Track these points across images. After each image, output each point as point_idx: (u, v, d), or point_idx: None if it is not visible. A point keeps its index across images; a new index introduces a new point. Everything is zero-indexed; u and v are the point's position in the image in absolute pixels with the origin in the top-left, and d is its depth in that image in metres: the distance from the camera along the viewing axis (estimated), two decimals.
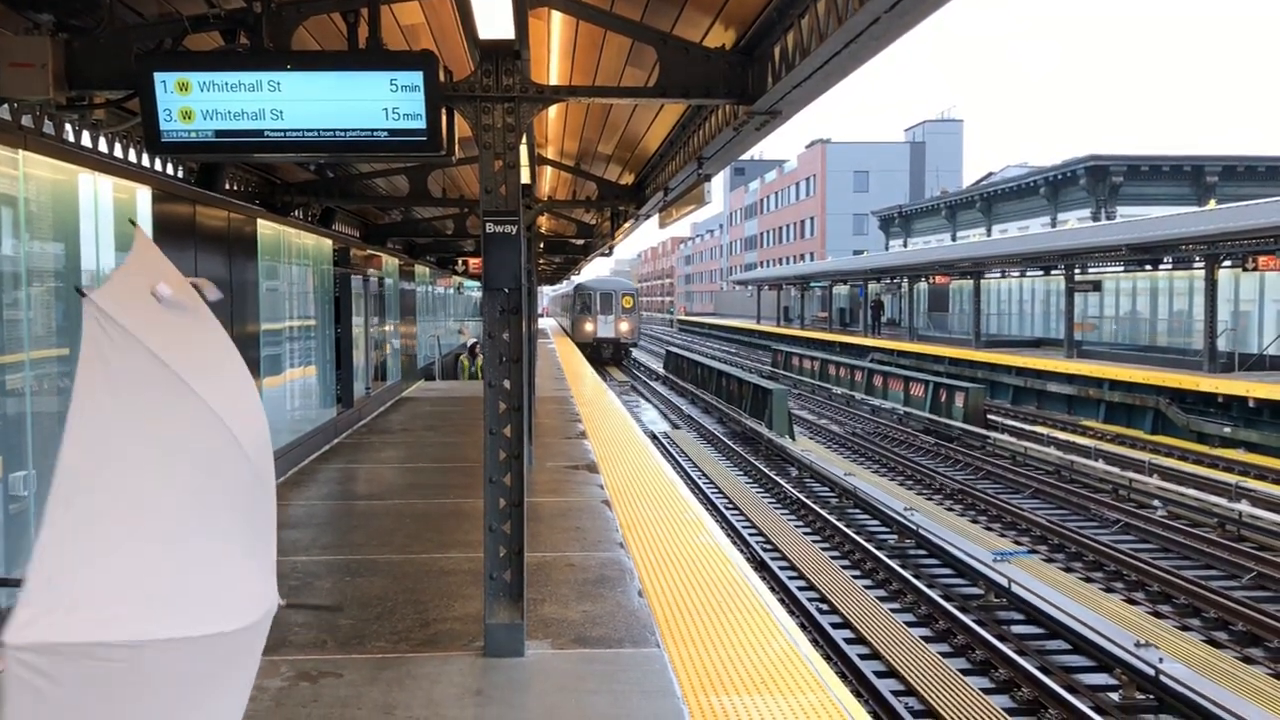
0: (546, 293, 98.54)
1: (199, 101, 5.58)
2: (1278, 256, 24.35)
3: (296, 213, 13.76)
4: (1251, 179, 45.01)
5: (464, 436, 15.27)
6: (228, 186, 11.10)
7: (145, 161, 8.86)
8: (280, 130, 5.63)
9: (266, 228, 11.20)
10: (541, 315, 73.55)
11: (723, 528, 14.50)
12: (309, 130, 5.64)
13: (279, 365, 11.83)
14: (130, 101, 6.32)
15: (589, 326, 51.24)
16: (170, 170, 9.55)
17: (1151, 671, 8.80)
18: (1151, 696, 8.83)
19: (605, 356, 51.13)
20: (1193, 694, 8.37)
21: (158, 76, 5.54)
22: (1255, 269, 24.92)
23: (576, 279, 58.48)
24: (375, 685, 5.52)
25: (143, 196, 7.80)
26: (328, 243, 14.53)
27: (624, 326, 51.66)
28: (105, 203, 7.19)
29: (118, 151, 8.44)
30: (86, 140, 7.82)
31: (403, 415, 18.21)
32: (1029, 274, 40.87)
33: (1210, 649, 10.35)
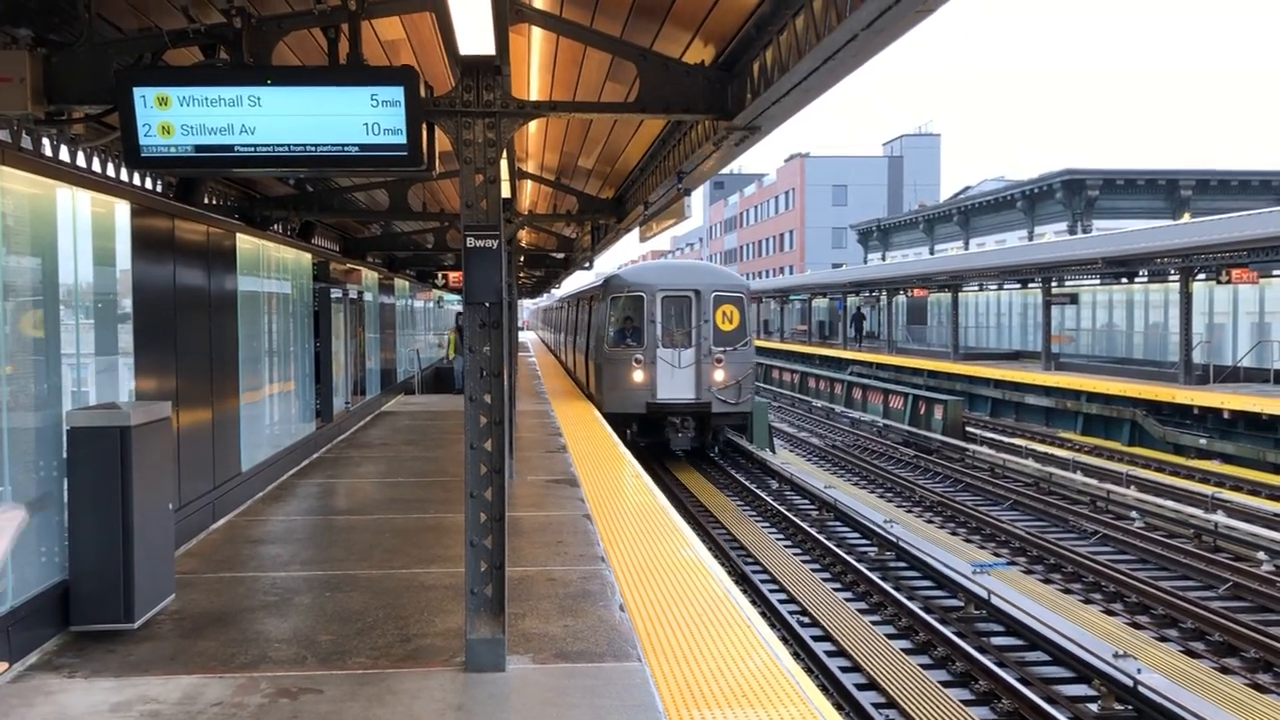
0: (527, 306, 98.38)
1: (179, 116, 5.57)
2: (1250, 269, 24.64)
3: (276, 226, 13.72)
4: (1225, 193, 45.57)
5: (444, 451, 15.23)
6: (207, 200, 11.06)
7: (124, 176, 8.84)
8: (260, 145, 5.63)
9: (246, 242, 11.16)
10: (522, 328, 72.77)
11: (704, 540, 14.51)
12: (289, 145, 5.64)
13: (258, 380, 11.77)
14: (109, 116, 6.30)
15: (637, 375, 21.55)
16: (149, 184, 9.51)
17: (1130, 682, 8.85)
18: (1130, 707, 8.88)
19: (678, 446, 21.83)
20: (1171, 704, 8.42)
21: (137, 91, 5.53)
22: (1229, 282, 25.21)
23: (599, 270, 33.18)
24: (356, 701, 5.49)
25: (121, 211, 7.77)
26: (307, 256, 14.49)
27: (720, 374, 21.59)
28: (83, 217, 7.15)
29: (96, 166, 8.41)
30: (65, 155, 7.79)
31: (382, 429, 18.14)
32: (1006, 287, 41.18)
33: (1188, 659, 10.42)
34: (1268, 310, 28.18)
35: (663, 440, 21.50)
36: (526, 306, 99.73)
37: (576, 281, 40.17)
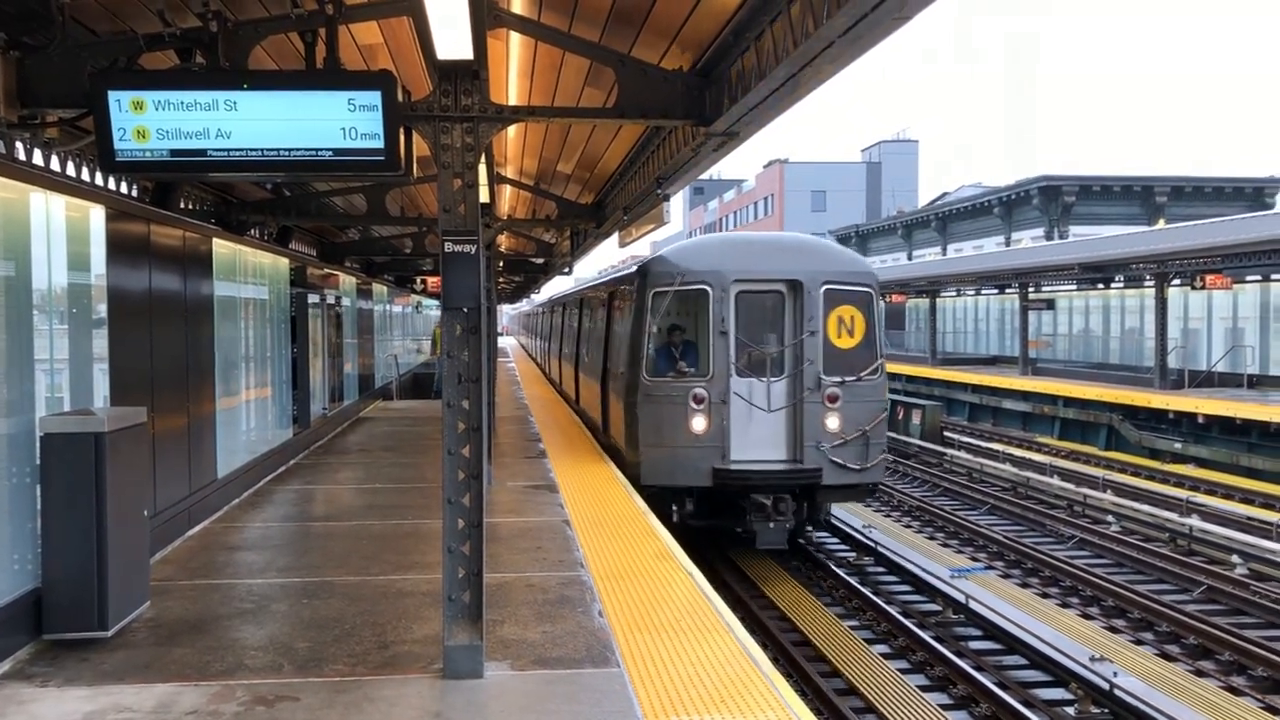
0: (506, 311, 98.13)
1: (154, 120, 5.54)
2: (1224, 275, 24.88)
3: (253, 231, 13.66)
4: (1199, 199, 46.02)
5: (422, 457, 15.17)
6: (183, 205, 11.00)
7: (99, 180, 8.77)
8: (236, 149, 5.61)
9: (222, 246, 11.09)
10: (502, 334, 72.08)
11: (683, 545, 14.48)
12: (266, 150, 5.62)
13: (235, 385, 11.70)
14: (84, 120, 6.26)
15: (697, 423, 12.89)
16: (124, 189, 9.45)
17: (1106, 685, 8.92)
18: (1106, 710, 8.93)
19: (768, 543, 12.58)
20: (1146, 707, 8.49)
21: (112, 95, 5.50)
22: (1203, 287, 25.45)
23: (579, 274, 30.21)
24: (333, 709, 5.46)
25: (96, 215, 7.71)
26: (284, 261, 14.42)
27: (835, 421, 12.90)
28: (57, 222, 7.09)
29: (71, 170, 8.35)
30: (39, 159, 7.73)
31: (360, 436, 18.06)
32: (984, 292, 41.41)
33: (1163, 662, 10.49)
34: (1241, 315, 28.48)
35: (738, 528, 12.91)
36: (506, 312, 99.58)
37: (576, 274, 30.90)
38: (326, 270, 18.15)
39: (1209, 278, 24.87)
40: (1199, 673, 10.38)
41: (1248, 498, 18.38)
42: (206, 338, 10.52)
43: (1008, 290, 37.63)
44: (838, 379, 12.87)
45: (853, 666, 9.99)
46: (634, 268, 14.59)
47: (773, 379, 12.94)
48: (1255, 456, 21.04)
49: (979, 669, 10.02)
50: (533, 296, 54.14)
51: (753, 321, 13.14)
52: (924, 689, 9.51)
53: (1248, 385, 25.51)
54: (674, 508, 12.90)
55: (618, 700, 5.61)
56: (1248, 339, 27.80)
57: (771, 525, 12.36)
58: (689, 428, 12.84)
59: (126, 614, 6.83)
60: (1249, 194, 46.66)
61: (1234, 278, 25.89)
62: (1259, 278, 27.59)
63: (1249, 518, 15.85)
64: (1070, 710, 9.10)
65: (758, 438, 12.95)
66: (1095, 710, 8.99)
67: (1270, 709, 9.41)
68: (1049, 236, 45.16)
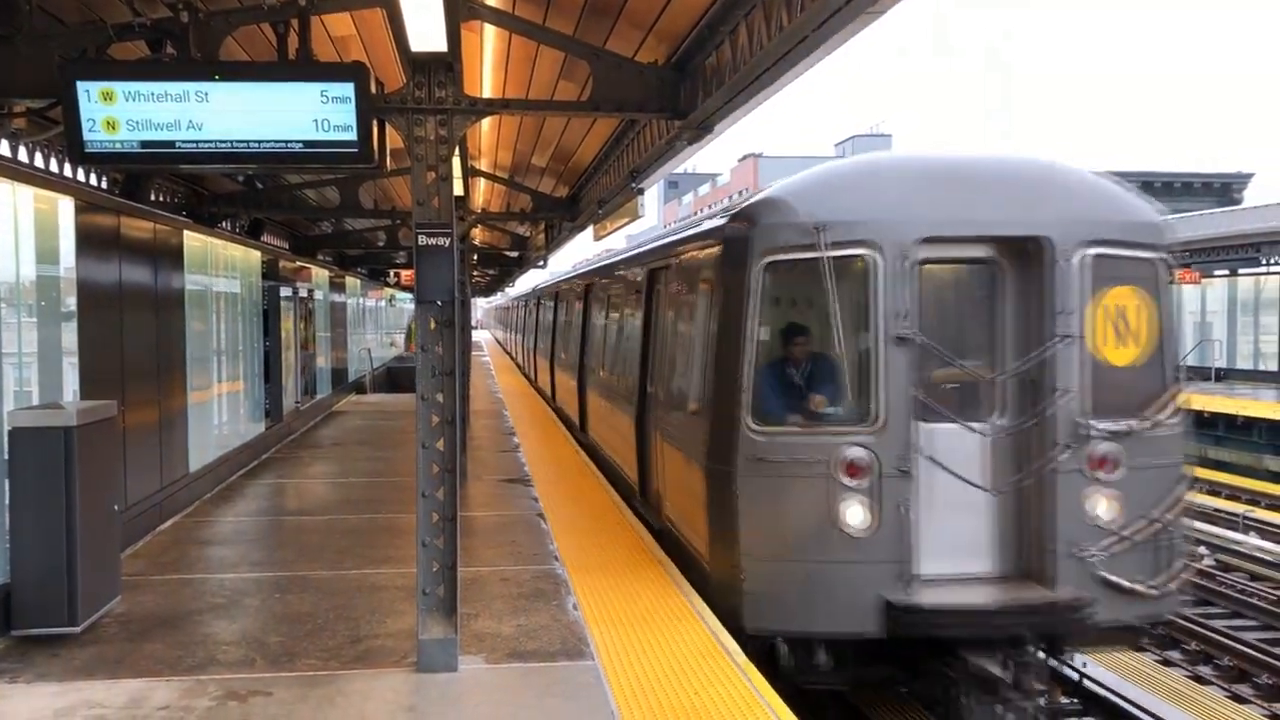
0: (481, 305, 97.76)
1: (124, 111, 5.49)
2: (1192, 270, 25.15)
3: (224, 224, 13.55)
4: (1168, 194, 46.51)
5: (396, 451, 15.11)
6: (154, 197, 10.90)
7: (68, 172, 8.68)
8: (207, 141, 5.57)
9: (194, 239, 11.00)
10: (476, 327, 71.65)
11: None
12: (238, 142, 5.58)
13: (206, 379, 11.61)
14: (52, 110, 6.19)
15: (852, 514, 6.53)
16: (94, 180, 9.36)
17: (1075, 676, 9.00)
18: (1076, 700, 9.02)
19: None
20: (1115, 697, 8.58)
21: (81, 85, 5.44)
22: (1172, 283, 25.71)
23: (554, 268, 25.80)
24: (306, 703, 5.44)
25: (65, 207, 7.62)
26: (256, 255, 14.31)
27: (1109, 505, 6.75)
28: (25, 214, 7.01)
29: (39, 161, 8.26)
30: (5, 149, 7.64)
31: (333, 429, 17.97)
32: None
33: (1132, 653, 10.59)
34: (1209, 310, 28.80)
35: (930, 699, 8.01)
36: (480, 305, 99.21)
37: (551, 267, 23.51)
38: (299, 263, 18.02)
39: (1177, 272, 25.14)
40: (1166, 663, 10.51)
41: (1215, 489, 18.60)
42: (178, 331, 10.43)
43: None
44: (1112, 424, 7.02)
45: None
46: (714, 222, 8.10)
47: (991, 427, 7.05)
48: (1222, 449, 21.30)
49: None
50: (507, 290, 53.22)
51: (946, 318, 7.21)
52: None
53: (1215, 379, 25.80)
54: (779, 650, 7.08)
55: (592, 692, 5.62)
56: (1215, 333, 28.11)
57: (1008, 715, 6.84)
58: (837, 521, 6.71)
59: (97, 609, 6.78)
60: (1217, 189, 47.25)
61: (1202, 272, 26.17)
62: (1227, 272, 27.91)
63: (1216, 510, 16.04)
64: (1040, 701, 9.17)
65: (963, 538, 7.02)
66: (1065, 701, 9.07)
67: (1236, 698, 9.56)
68: None
